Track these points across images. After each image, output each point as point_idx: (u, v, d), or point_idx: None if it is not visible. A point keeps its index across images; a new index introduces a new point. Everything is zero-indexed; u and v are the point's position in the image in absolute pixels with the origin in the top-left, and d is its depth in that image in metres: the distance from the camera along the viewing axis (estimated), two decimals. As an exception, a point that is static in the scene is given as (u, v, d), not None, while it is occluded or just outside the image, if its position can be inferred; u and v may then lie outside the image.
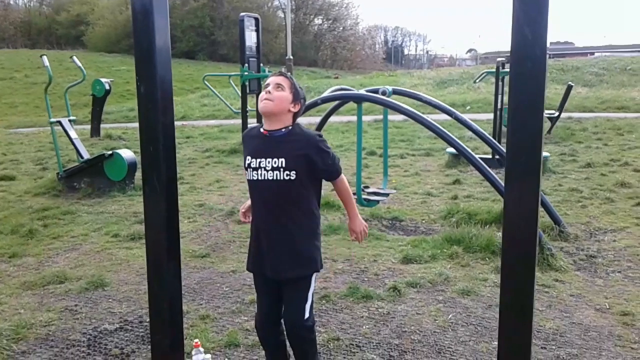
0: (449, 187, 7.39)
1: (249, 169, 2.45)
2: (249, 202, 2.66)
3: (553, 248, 4.59)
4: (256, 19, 11.31)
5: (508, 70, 9.52)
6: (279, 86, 2.44)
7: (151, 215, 1.89)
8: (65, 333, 3.41)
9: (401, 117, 12.22)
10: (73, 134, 7.56)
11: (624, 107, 16.11)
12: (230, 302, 3.83)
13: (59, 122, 7.50)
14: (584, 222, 5.57)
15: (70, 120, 7.67)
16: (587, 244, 4.95)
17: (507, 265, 1.59)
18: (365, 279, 4.21)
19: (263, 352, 2.85)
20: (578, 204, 6.29)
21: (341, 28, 51.54)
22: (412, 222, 5.84)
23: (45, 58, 7.45)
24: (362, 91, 5.81)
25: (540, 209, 1.68)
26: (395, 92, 5.82)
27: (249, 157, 2.46)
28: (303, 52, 43.12)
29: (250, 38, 11.03)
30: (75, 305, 3.80)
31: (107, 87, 12.30)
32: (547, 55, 1.55)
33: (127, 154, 7.35)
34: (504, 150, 6.05)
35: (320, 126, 6.59)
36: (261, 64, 11.33)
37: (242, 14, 11.07)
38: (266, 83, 2.48)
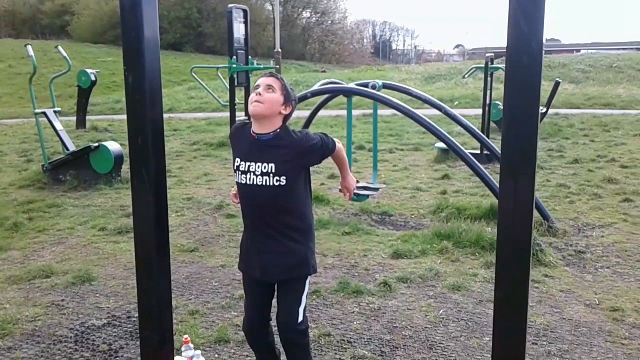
0: (438, 182, 7.40)
1: (237, 172, 2.39)
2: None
3: (542, 243, 4.61)
4: (244, 11, 11.22)
5: (497, 65, 9.57)
6: (269, 87, 2.35)
7: (140, 209, 1.85)
8: (51, 328, 3.35)
9: (390, 111, 12.21)
10: (58, 126, 7.44)
11: (609, 104, 16.27)
12: (220, 297, 3.79)
13: (44, 113, 7.37)
14: (572, 218, 5.60)
15: (55, 112, 7.55)
16: (576, 239, 4.98)
17: (502, 260, 1.58)
18: (356, 274, 4.19)
19: (254, 348, 2.82)
20: (566, 199, 6.33)
21: (329, 22, 51.37)
22: (402, 217, 5.83)
23: (29, 47, 7.31)
24: (352, 85, 5.79)
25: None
26: (385, 86, 5.80)
27: (238, 160, 2.40)
28: (291, 45, 42.91)
29: (239, 30, 10.95)
30: (62, 300, 3.74)
31: (92, 78, 12.15)
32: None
33: (113, 146, 7.25)
34: (493, 145, 6.09)
35: (309, 120, 6.56)
36: (249, 57, 11.26)
37: (230, 5, 10.98)
38: (256, 84, 2.39)
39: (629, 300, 3.70)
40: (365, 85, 5.59)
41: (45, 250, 4.79)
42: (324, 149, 2.42)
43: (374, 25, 68.47)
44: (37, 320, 3.45)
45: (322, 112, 7.98)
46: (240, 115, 11.26)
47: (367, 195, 5.84)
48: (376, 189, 6.02)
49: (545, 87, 13.82)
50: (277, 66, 14.84)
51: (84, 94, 12.44)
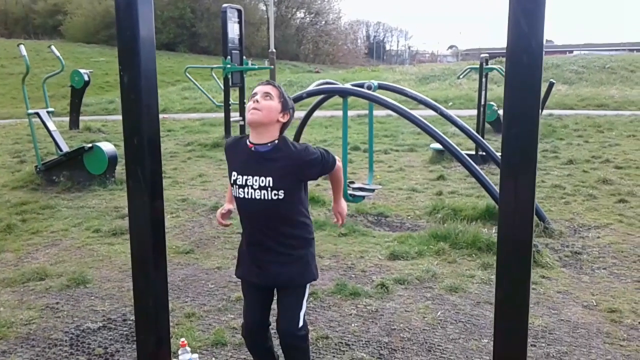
0: (434, 182, 7.40)
1: (234, 186, 2.35)
2: (227, 206, 2.56)
3: (539, 244, 4.61)
4: (239, 11, 11.20)
5: (491, 66, 9.57)
6: (267, 95, 2.32)
7: (135, 211, 1.83)
8: (46, 332, 3.31)
9: (384, 112, 12.23)
10: (51, 126, 7.38)
11: (603, 105, 16.34)
12: (216, 300, 3.76)
13: (37, 114, 7.31)
14: (567, 219, 5.60)
15: (48, 112, 7.49)
16: (572, 240, 4.98)
17: (503, 260, 1.58)
18: (353, 276, 4.17)
19: (251, 351, 2.79)
20: (561, 200, 6.34)
21: (323, 22, 51.36)
22: (398, 218, 5.82)
23: (22, 47, 7.25)
24: (348, 85, 5.77)
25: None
26: (380, 86, 5.78)
27: (234, 173, 2.35)
28: (285, 45, 42.87)
29: (233, 30, 10.93)
30: (57, 303, 3.70)
31: (86, 78, 12.07)
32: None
33: (107, 147, 7.21)
34: (489, 146, 6.09)
35: (304, 120, 6.53)
36: (244, 57, 11.23)
37: (224, 5, 10.95)
38: (253, 92, 2.36)
39: (626, 302, 3.70)
40: (361, 85, 5.57)
41: (39, 252, 4.75)
42: (323, 164, 2.39)
43: (367, 26, 68.57)
44: (31, 323, 3.41)
45: (316, 113, 7.95)
46: (234, 116, 11.23)
47: (363, 197, 5.82)
48: (372, 190, 5.99)
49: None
50: (272, 66, 14.80)
51: (77, 94, 12.36)
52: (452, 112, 5.84)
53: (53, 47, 8.32)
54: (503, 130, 1.53)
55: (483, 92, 9.18)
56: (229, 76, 10.91)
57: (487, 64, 9.48)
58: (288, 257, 2.37)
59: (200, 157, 9.42)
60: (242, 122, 11.07)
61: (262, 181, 2.27)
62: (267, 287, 2.47)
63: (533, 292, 3.85)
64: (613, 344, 3.15)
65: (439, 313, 3.55)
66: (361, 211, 5.92)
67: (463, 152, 5.11)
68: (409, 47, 75.10)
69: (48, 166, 7.23)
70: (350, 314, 3.54)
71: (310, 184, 2.84)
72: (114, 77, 24.98)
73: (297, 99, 5.50)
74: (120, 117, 1.71)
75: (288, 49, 44.27)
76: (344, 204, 2.68)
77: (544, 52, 1.50)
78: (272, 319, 2.57)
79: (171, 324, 3.25)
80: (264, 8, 44.39)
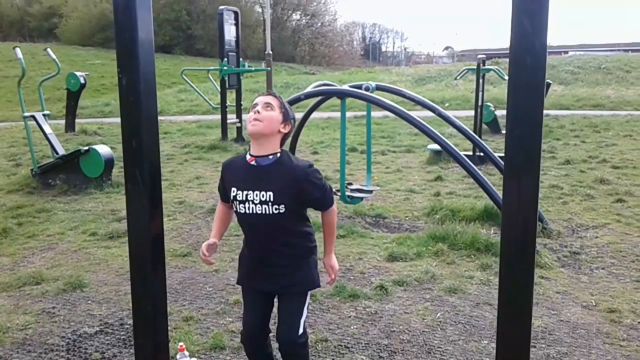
0: (431, 183, 7.38)
1: (235, 202, 2.31)
2: (212, 239, 2.45)
3: (537, 245, 4.60)
4: (235, 13, 11.19)
5: (489, 67, 9.58)
6: (268, 105, 2.29)
7: (134, 214, 1.81)
8: (43, 337, 3.28)
9: (381, 113, 12.20)
10: (47, 129, 7.35)
11: (599, 105, 16.39)
12: (214, 303, 3.73)
13: (33, 117, 7.28)
14: (565, 219, 5.60)
15: (44, 115, 7.45)
16: (570, 240, 4.98)
17: (506, 260, 1.57)
18: (352, 278, 4.15)
19: (250, 355, 2.77)
20: (559, 200, 6.33)
21: (319, 24, 51.39)
22: (396, 219, 5.80)
23: (18, 50, 7.22)
24: (345, 87, 5.76)
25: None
26: (378, 88, 5.78)
27: (234, 189, 2.30)
28: (281, 47, 42.86)
29: (230, 32, 10.93)
30: (53, 308, 3.67)
31: (82, 80, 12.02)
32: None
33: (103, 149, 7.17)
34: (487, 147, 6.08)
35: (302, 122, 6.51)
36: (240, 59, 11.22)
37: (221, 7, 10.94)
38: (254, 103, 2.33)
39: (625, 302, 3.69)
40: (359, 87, 5.56)
41: (35, 256, 4.71)
42: (324, 193, 2.33)
43: (363, 28, 68.70)
44: (27, 328, 3.38)
45: (313, 114, 7.94)
46: (231, 118, 11.20)
47: (361, 198, 5.81)
48: (370, 192, 5.98)
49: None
50: (269, 68, 14.79)
51: (73, 97, 12.31)
52: (449, 113, 5.83)
53: (49, 50, 8.29)
54: (507, 131, 1.52)
55: (480, 93, 9.18)
56: (226, 78, 10.90)
57: (484, 65, 9.48)
58: (290, 265, 2.36)
59: (197, 160, 9.39)
60: (238, 124, 11.05)
61: (263, 196, 2.24)
62: (268, 294, 2.45)
63: (532, 292, 3.84)
64: (613, 344, 3.14)
65: (438, 314, 3.53)
66: (359, 212, 5.90)
67: (461, 153, 5.10)
68: (405, 49, 75.26)
69: (44, 169, 7.20)
70: (350, 316, 3.52)
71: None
72: (109, 80, 24.93)
73: (295, 101, 5.50)
74: (116, 120, 1.69)
75: (284, 51, 44.28)
76: (334, 258, 2.52)
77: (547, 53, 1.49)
78: (272, 327, 2.55)
79: (169, 327, 3.23)
80: (260, 10, 44.43)
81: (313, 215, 2.56)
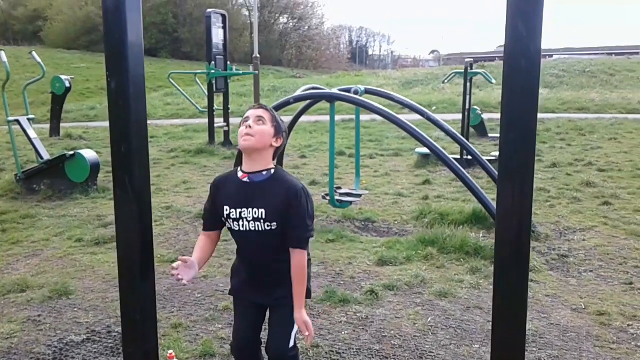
0: (419, 187, 7.39)
1: (228, 219, 2.27)
2: (191, 257, 2.25)
3: (526, 248, 4.61)
4: (223, 16, 11.15)
5: (476, 70, 9.65)
6: (259, 119, 2.24)
7: (123, 220, 1.77)
8: (28, 345, 3.21)
9: (369, 116, 12.21)
10: (32, 133, 7.25)
11: (584, 108, 16.56)
12: (203, 309, 3.69)
13: (17, 121, 7.17)
14: (553, 222, 5.63)
15: (28, 119, 7.35)
16: (558, 243, 5.00)
17: (500, 263, 1.56)
18: (341, 282, 4.13)
19: (240, 362, 2.73)
20: (546, 203, 6.37)
21: (306, 27, 51.42)
22: (385, 223, 5.80)
23: (2, 53, 7.12)
24: (334, 90, 5.75)
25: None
26: (367, 91, 5.78)
27: (226, 208, 2.25)
28: (268, 51, 42.81)
29: (217, 35, 10.88)
30: (39, 315, 3.60)
31: (67, 84, 11.89)
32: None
33: (89, 154, 7.09)
34: (475, 150, 6.10)
35: (290, 125, 6.49)
36: (227, 62, 11.17)
37: (208, 10, 10.89)
38: (245, 116, 2.28)
39: (614, 304, 3.71)
40: (348, 90, 5.56)
41: (19, 262, 4.63)
42: (303, 226, 2.21)
43: (350, 31, 68.86)
44: (12, 337, 3.31)
45: (301, 118, 7.93)
46: (218, 121, 11.14)
47: (350, 202, 5.80)
48: (359, 195, 5.98)
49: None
50: (257, 72, 14.75)
51: (57, 100, 12.17)
52: (435, 117, 5.84)
53: (34, 53, 8.19)
54: (500, 135, 1.51)
55: (467, 96, 9.23)
56: (213, 81, 10.84)
57: (471, 68, 9.53)
58: (283, 279, 2.31)
59: (184, 164, 9.32)
60: (225, 128, 11.00)
61: (255, 212, 2.20)
62: (260, 305, 2.42)
63: (522, 296, 3.85)
64: (603, 347, 3.15)
65: (429, 319, 3.52)
66: (348, 216, 5.88)
67: (449, 156, 5.11)
68: (392, 52, 75.57)
69: (28, 174, 7.09)
70: (340, 322, 3.49)
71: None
72: (94, 83, 24.73)
73: (284, 104, 5.48)
74: (101, 124, 1.66)
75: (271, 54, 44.24)
76: (305, 312, 2.28)
77: (541, 56, 1.49)
78: (262, 339, 2.51)
79: (158, 335, 3.18)
80: (247, 13, 44.36)
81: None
